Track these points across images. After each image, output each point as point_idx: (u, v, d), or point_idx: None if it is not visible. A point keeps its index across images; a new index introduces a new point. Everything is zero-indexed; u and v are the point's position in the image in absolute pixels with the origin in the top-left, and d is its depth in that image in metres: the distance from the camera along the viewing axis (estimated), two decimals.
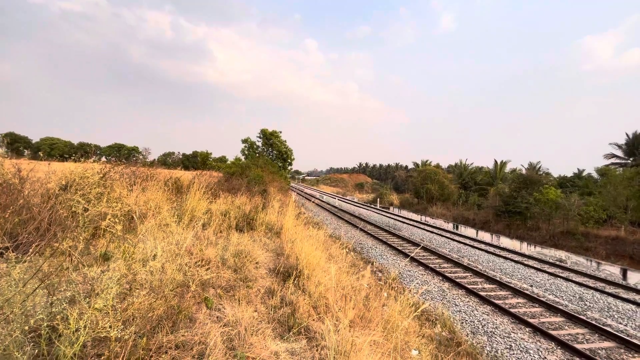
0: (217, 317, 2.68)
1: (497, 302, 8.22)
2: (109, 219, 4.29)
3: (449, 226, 25.39)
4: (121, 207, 4.77)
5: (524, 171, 33.97)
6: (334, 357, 2.28)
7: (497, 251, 15.20)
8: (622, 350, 6.30)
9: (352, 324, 3.64)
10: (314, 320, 3.25)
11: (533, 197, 22.73)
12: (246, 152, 29.95)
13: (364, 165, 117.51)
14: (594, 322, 7.30)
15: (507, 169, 39.93)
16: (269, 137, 30.75)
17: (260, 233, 7.10)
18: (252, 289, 3.71)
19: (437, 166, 50.74)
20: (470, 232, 23.03)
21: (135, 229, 4.79)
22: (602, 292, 9.88)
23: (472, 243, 16.70)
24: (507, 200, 24.80)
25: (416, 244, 14.75)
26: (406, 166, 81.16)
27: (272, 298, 3.57)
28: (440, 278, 10.18)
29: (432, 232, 19.53)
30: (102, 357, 1.58)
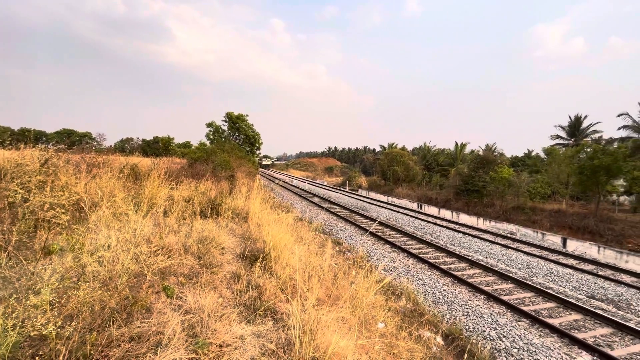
0: (177, 306, 2.57)
1: (456, 273, 8.83)
2: (54, 210, 3.90)
3: (414, 206, 26.59)
4: (69, 197, 4.36)
5: (481, 152, 36.15)
6: (299, 335, 2.29)
7: (457, 227, 16.23)
8: (561, 310, 7.10)
9: (321, 303, 3.70)
10: (281, 301, 3.25)
11: (489, 176, 24.36)
12: (211, 137, 28.67)
13: (333, 149, 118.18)
14: (538, 287, 8.12)
15: (467, 150, 42.25)
16: (235, 121, 29.61)
17: (226, 219, 6.90)
18: (217, 274, 3.60)
19: (403, 149, 52.42)
20: (433, 210, 24.31)
21: (86, 220, 4.42)
22: (545, 259, 10.99)
23: (434, 221, 17.66)
24: (466, 180, 26.37)
25: (383, 224, 15.28)
26: (374, 149, 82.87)
27: (238, 282, 3.50)
28: (406, 255, 10.68)
29: (398, 212, 20.33)
30: (37, 357, 1.43)
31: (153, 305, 2.46)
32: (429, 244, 11.99)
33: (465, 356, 5.00)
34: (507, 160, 34.10)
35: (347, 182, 45.28)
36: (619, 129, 31.16)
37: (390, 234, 13.55)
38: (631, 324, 6.37)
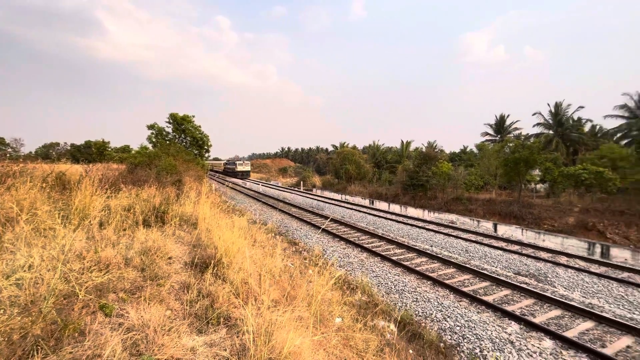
0: (118, 324, 2.36)
1: (405, 263, 9.42)
2: None
3: (366, 202, 27.70)
4: None
5: (424, 149, 38.97)
6: (254, 339, 2.27)
7: (405, 220, 17.31)
8: (494, 287, 7.99)
9: (277, 304, 3.68)
10: (235, 307, 3.16)
11: (431, 171, 26.39)
12: (154, 140, 26.57)
13: (286, 149, 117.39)
14: (475, 269, 9.03)
15: (412, 147, 45.25)
16: (181, 122, 27.83)
17: (173, 226, 6.48)
18: (163, 286, 3.38)
19: (354, 148, 54.21)
20: (383, 205, 25.58)
21: None
22: (480, 243, 12.26)
23: (385, 215, 18.61)
24: (411, 175, 28.23)
25: (338, 221, 15.66)
26: (326, 149, 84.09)
27: (188, 292, 3.33)
28: (360, 249, 11.09)
29: (352, 209, 20.99)
30: None
31: (88, 327, 2.22)
32: (380, 238, 12.60)
33: (416, 340, 5.38)
34: (446, 156, 37.21)
35: (302, 182, 45.46)
36: (534, 126, 35.88)
37: (344, 231, 13.94)
38: (548, 294, 7.42)
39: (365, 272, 8.83)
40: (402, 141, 44.67)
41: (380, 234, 13.13)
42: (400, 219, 17.76)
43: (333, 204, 23.60)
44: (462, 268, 9.18)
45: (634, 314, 6.74)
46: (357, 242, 11.84)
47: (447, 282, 8.07)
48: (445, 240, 12.74)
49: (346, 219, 16.77)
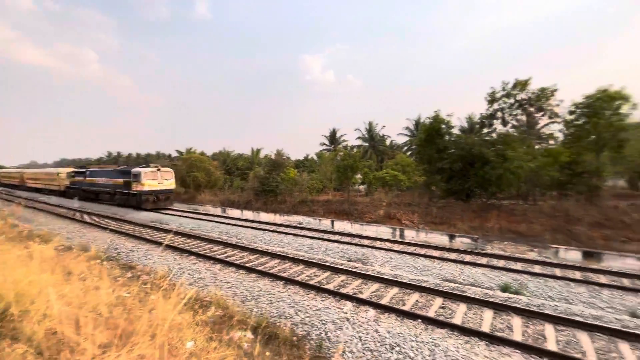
0: None
1: (259, 268, 9.65)
2: None
3: (218, 210, 26.42)
4: None
5: (273, 156, 41.17)
6: None
7: (258, 225, 17.70)
8: (334, 275, 9.39)
9: (107, 349, 2.99)
10: None
11: (280, 177, 28.23)
12: None
13: (115, 154, 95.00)
14: (319, 262, 10.32)
15: (262, 154, 46.88)
16: None
17: None
18: None
19: (202, 154, 50.74)
20: (236, 212, 25.16)
21: None
22: (322, 239, 14.11)
23: (238, 223, 18.37)
24: (262, 182, 29.22)
25: (186, 234, 14.21)
26: (169, 155, 74.13)
27: None
28: (212, 262, 10.48)
29: (202, 219, 19.51)
30: None
31: None
32: (234, 246, 12.35)
33: (272, 340, 5.63)
34: (292, 163, 40.72)
35: None
36: (356, 139, 44.66)
37: (194, 244, 12.81)
38: (370, 273, 9.40)
39: (219, 284, 8.43)
40: (253, 148, 45.62)
41: (234, 243, 12.86)
42: (254, 224, 18.00)
43: (180, 215, 21.19)
44: (309, 263, 10.28)
45: (419, 276, 9.56)
46: (208, 254, 11.14)
47: (297, 279, 8.84)
48: (295, 240, 13.90)
49: (196, 231, 15.44)
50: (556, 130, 21.30)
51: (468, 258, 11.47)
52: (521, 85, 20.09)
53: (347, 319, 6.48)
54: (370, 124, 43.09)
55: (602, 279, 9.40)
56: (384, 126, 43.55)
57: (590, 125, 17.86)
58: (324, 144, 47.31)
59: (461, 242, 14.63)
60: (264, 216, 23.13)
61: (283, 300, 7.47)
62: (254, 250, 11.75)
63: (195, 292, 7.35)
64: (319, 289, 8.13)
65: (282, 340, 5.69)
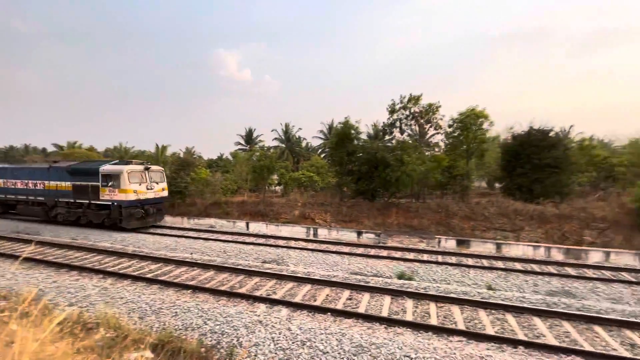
0: None
1: (162, 278, 8.73)
2: None
3: None
4: None
5: (182, 155, 37.57)
6: None
7: (162, 231, 15.93)
8: (247, 278, 9.18)
9: None
10: None
11: (190, 177, 25.97)
12: None
13: None
14: (232, 266, 9.94)
15: (169, 152, 42.19)
16: None
17: None
18: None
19: (91, 149, 42.94)
20: None
21: None
22: (236, 242, 13.63)
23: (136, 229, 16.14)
24: (169, 182, 26.35)
25: (67, 246, 11.77)
26: (44, 149, 59.47)
27: None
28: (101, 276, 8.98)
29: (92, 227, 16.42)
30: None
31: None
32: (132, 256, 10.85)
33: (176, 355, 5.17)
34: (204, 162, 37.96)
35: None
36: (273, 139, 44.51)
37: (78, 256, 10.75)
38: (284, 272, 9.54)
39: (110, 302, 7.28)
40: (157, 145, 40.65)
41: (130, 252, 11.27)
42: (157, 230, 16.11)
43: (61, 224, 17.37)
44: (220, 268, 9.79)
45: (330, 272, 10.17)
46: (97, 267, 9.50)
47: (206, 286, 8.33)
48: (206, 244, 13.04)
49: (80, 241, 12.94)
50: (440, 140, 25.67)
51: (372, 252, 12.76)
52: (414, 100, 23.44)
53: (260, 322, 6.45)
54: (287, 125, 43.59)
55: (469, 261, 11.73)
56: (300, 128, 44.73)
57: (462, 137, 22.09)
58: (239, 143, 45.63)
59: (367, 237, 16.16)
60: (170, 220, 20.93)
61: (190, 310, 6.94)
62: (156, 259, 10.54)
63: (77, 313, 6.22)
64: (230, 294, 7.85)
65: (189, 353, 5.29)
